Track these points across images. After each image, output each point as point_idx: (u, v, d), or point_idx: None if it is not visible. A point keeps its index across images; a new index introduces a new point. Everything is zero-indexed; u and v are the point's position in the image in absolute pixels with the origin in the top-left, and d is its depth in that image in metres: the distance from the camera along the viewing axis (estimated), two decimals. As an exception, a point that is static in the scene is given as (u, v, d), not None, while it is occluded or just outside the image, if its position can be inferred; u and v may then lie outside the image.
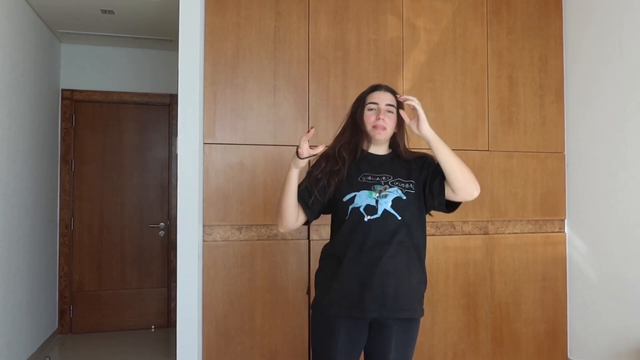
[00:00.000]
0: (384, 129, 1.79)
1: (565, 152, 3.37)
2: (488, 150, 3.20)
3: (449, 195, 1.74)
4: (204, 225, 2.72)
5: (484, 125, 3.20)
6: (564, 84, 3.38)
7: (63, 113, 4.36)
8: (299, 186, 1.77)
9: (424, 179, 1.79)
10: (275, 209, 1.88)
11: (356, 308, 1.67)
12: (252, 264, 2.77)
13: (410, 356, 1.78)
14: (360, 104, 1.85)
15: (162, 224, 4.54)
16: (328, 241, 1.89)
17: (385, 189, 1.74)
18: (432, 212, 1.86)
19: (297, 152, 1.69)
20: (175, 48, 2.90)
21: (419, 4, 3.11)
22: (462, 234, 3.13)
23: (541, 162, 3.31)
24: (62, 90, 4.38)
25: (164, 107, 4.62)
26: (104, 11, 3.67)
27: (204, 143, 2.73)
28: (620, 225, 2.97)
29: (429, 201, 1.79)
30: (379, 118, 1.78)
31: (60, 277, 4.29)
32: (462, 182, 1.68)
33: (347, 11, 2.99)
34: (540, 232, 3.30)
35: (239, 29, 2.82)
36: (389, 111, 1.80)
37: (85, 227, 4.40)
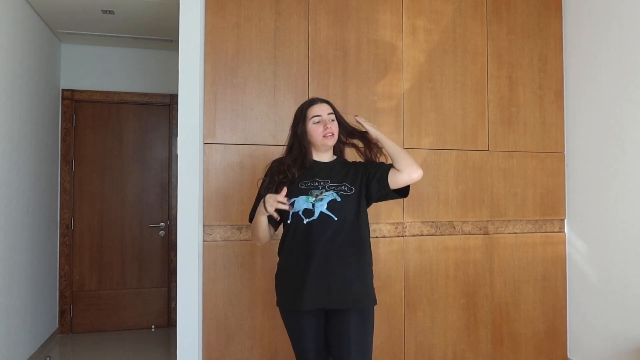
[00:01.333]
0: (333, 135, 2.00)
1: (565, 152, 3.37)
2: (488, 150, 3.20)
3: (397, 180, 1.96)
4: (204, 225, 2.72)
5: (483, 125, 3.20)
6: (564, 84, 3.39)
7: (63, 113, 4.37)
8: (259, 207, 1.94)
9: (371, 175, 2.01)
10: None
11: (297, 301, 1.90)
12: (252, 264, 2.77)
13: (366, 345, 1.93)
14: (301, 119, 2.03)
15: (162, 224, 4.55)
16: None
17: (321, 192, 1.94)
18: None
19: (265, 207, 1.87)
20: (176, 48, 2.91)
21: (419, 4, 3.12)
22: (462, 234, 3.14)
23: (541, 162, 3.31)
24: (63, 90, 4.38)
25: (164, 107, 4.62)
26: (104, 11, 3.67)
27: (204, 143, 2.74)
28: (620, 225, 2.97)
29: (378, 192, 1.99)
30: (326, 127, 1.99)
31: (60, 276, 4.30)
32: (404, 160, 1.96)
33: (347, 11, 2.99)
34: (540, 232, 3.30)
35: (239, 29, 2.82)
36: (332, 120, 2.03)
37: (85, 227, 4.40)
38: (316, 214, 1.90)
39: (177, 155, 2.73)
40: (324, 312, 1.95)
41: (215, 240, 2.74)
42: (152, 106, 4.60)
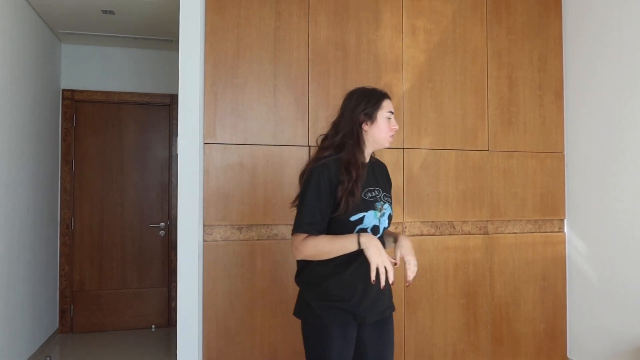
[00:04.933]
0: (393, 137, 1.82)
1: (565, 152, 3.37)
2: (488, 150, 3.20)
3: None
4: (204, 225, 2.72)
5: (483, 125, 3.20)
6: (564, 84, 3.39)
7: (64, 113, 4.37)
8: (315, 214, 1.65)
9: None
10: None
11: (363, 314, 1.74)
12: (252, 264, 2.77)
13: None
14: (373, 107, 1.76)
15: (162, 223, 4.55)
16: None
17: (382, 206, 1.75)
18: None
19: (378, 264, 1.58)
20: (176, 48, 2.91)
21: (419, 4, 3.12)
22: (462, 234, 3.14)
23: (541, 162, 3.31)
24: (63, 90, 4.38)
25: (164, 107, 4.63)
26: (105, 11, 3.67)
27: (204, 143, 2.74)
28: (620, 225, 2.97)
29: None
30: (394, 127, 1.79)
31: (60, 276, 4.30)
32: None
33: (347, 11, 2.99)
34: (539, 232, 3.30)
35: (239, 29, 2.82)
36: None
37: (85, 227, 4.41)
38: (380, 231, 1.75)
39: (177, 155, 2.73)
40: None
41: (215, 240, 2.74)
42: (152, 106, 4.60)
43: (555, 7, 3.40)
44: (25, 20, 3.46)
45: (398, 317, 2.98)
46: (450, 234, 3.11)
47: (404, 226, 3.02)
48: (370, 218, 1.70)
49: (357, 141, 1.74)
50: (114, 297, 4.44)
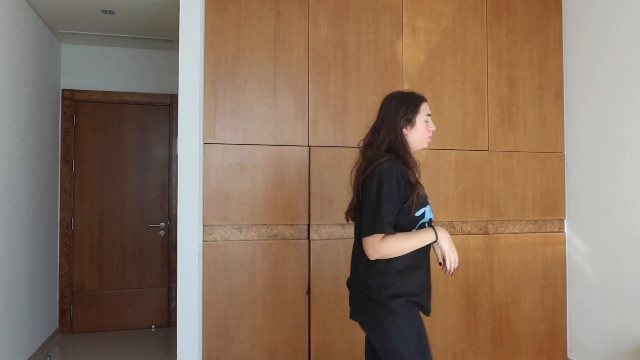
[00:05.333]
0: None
1: (565, 152, 3.37)
2: (488, 150, 3.20)
3: None
4: (204, 225, 2.72)
5: (483, 125, 3.20)
6: (564, 84, 3.39)
7: (63, 113, 4.37)
8: (392, 214, 1.71)
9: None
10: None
11: (428, 305, 1.92)
12: (252, 264, 2.77)
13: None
14: (413, 111, 1.84)
15: (162, 223, 4.55)
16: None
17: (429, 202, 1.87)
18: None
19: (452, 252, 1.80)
20: (176, 48, 2.91)
21: (419, 4, 3.12)
22: (462, 234, 3.14)
23: (541, 162, 3.31)
24: (63, 90, 4.38)
25: (164, 107, 4.63)
26: (104, 11, 3.67)
27: (204, 143, 2.74)
28: (620, 224, 2.97)
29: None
30: (430, 129, 1.89)
31: (60, 276, 4.30)
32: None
33: (347, 11, 2.99)
34: (539, 232, 3.30)
35: (239, 29, 2.82)
36: None
37: (85, 227, 4.40)
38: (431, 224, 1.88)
39: (177, 155, 2.73)
40: None
41: (215, 240, 2.74)
42: (152, 106, 4.60)
43: (555, 7, 3.40)
44: (25, 20, 3.46)
45: (398, 317, 2.98)
46: (450, 234, 3.09)
47: (404, 226, 3.01)
48: (428, 212, 1.83)
49: (404, 145, 1.82)
50: (114, 297, 4.44)
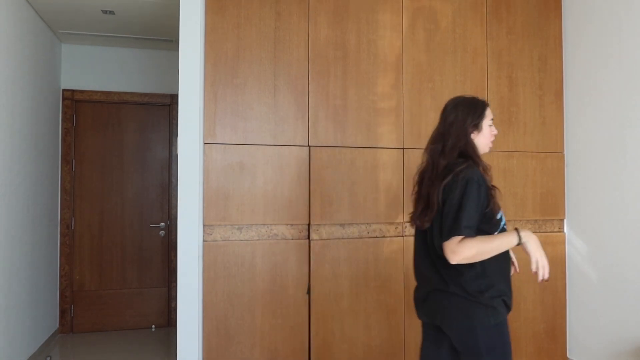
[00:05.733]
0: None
1: (565, 152, 3.37)
2: (488, 150, 3.19)
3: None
4: (204, 225, 2.72)
5: (483, 125, 3.20)
6: (564, 84, 3.39)
7: (64, 113, 4.37)
8: (473, 218, 1.72)
9: None
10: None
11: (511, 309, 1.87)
12: (252, 264, 2.78)
13: None
14: (479, 117, 1.88)
15: (162, 223, 4.55)
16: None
17: None
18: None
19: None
20: (176, 48, 2.91)
21: (419, 4, 3.12)
22: (462, 234, 3.13)
23: (541, 162, 3.31)
24: (63, 90, 4.38)
25: (165, 107, 4.63)
26: (105, 11, 3.67)
27: (204, 143, 2.74)
28: (620, 224, 2.97)
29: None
30: (493, 134, 1.95)
31: (61, 276, 4.30)
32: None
33: (347, 11, 2.99)
34: (539, 232, 3.30)
35: (239, 29, 2.82)
36: None
37: (85, 227, 4.41)
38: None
39: (177, 155, 2.73)
40: None
41: (215, 240, 2.75)
42: (152, 106, 4.60)
43: (555, 7, 3.40)
44: (25, 20, 3.46)
45: (398, 317, 2.98)
46: (450, 234, 3.11)
47: (404, 226, 3.01)
48: (502, 215, 1.86)
49: (474, 150, 1.86)
50: (114, 297, 4.44)
